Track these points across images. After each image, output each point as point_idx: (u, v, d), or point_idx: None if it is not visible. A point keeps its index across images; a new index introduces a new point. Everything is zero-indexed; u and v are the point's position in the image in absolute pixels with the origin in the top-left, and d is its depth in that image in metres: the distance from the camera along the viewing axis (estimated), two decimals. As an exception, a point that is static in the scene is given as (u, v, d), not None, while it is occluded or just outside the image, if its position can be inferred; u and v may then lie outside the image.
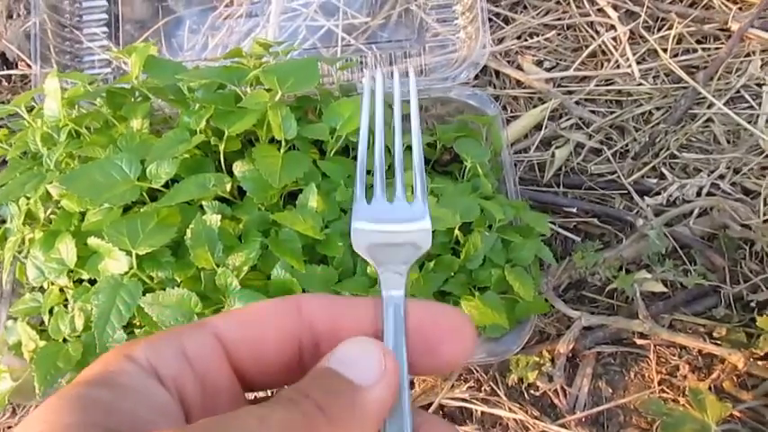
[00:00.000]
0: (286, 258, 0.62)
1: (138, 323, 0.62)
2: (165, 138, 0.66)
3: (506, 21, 1.04)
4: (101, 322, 0.57)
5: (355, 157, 0.73)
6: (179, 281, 0.63)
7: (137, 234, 0.60)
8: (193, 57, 0.97)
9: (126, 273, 0.60)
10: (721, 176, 0.92)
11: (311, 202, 0.65)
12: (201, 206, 0.65)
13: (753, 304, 0.81)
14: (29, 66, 0.95)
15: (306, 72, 0.68)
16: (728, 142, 0.95)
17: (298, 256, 0.62)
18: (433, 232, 0.65)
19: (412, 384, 0.83)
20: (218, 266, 0.61)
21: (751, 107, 0.97)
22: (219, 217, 0.61)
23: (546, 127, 0.96)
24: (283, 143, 0.67)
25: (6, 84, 0.95)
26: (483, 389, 0.82)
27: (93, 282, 0.66)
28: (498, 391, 0.82)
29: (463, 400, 0.82)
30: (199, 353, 0.26)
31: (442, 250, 0.67)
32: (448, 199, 0.66)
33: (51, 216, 0.71)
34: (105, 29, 0.94)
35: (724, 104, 0.96)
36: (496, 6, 1.03)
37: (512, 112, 0.98)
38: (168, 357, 0.25)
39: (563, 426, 0.80)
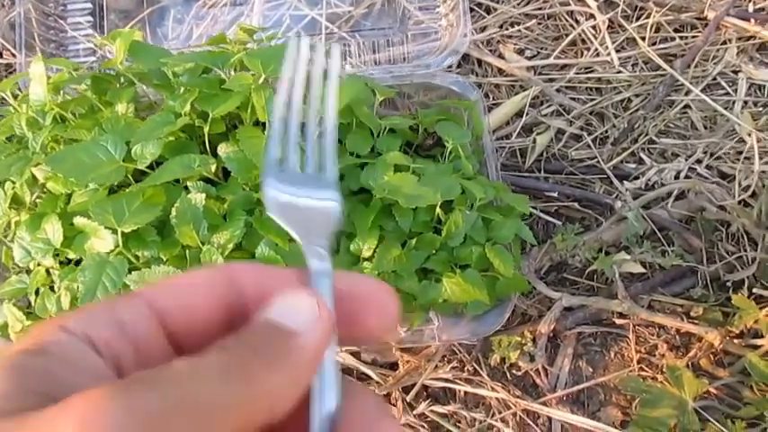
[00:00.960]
0: (270, 236, 0.63)
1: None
2: (151, 120, 0.67)
3: (488, 10, 1.05)
4: (87, 299, 0.58)
5: (339, 140, 0.75)
6: (165, 259, 0.64)
7: (122, 213, 0.61)
8: (178, 46, 0.97)
9: (112, 251, 0.61)
10: (698, 161, 0.93)
11: (294, 182, 0.66)
12: (186, 186, 0.66)
13: (729, 284, 0.83)
14: (13, 55, 0.96)
15: (288, 56, 0.69)
16: (705, 128, 0.97)
17: (281, 234, 0.63)
18: (414, 210, 0.67)
19: (396, 365, 0.84)
20: (203, 244, 0.62)
21: (727, 93, 0.99)
22: (204, 195, 0.62)
23: (527, 114, 0.97)
24: (267, 125, 0.68)
25: (-8, 72, 0.96)
26: (466, 369, 0.83)
27: (78, 262, 0.67)
28: (481, 372, 0.83)
29: (446, 380, 0.83)
30: (132, 321, 0.26)
31: (424, 228, 0.68)
32: (429, 178, 0.67)
33: (37, 200, 0.71)
34: (90, 18, 0.95)
35: (701, 91, 0.98)
36: (478, -4, 1.05)
37: (494, 99, 1.00)
38: (101, 326, 0.25)
39: (544, 404, 0.81)
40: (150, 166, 0.65)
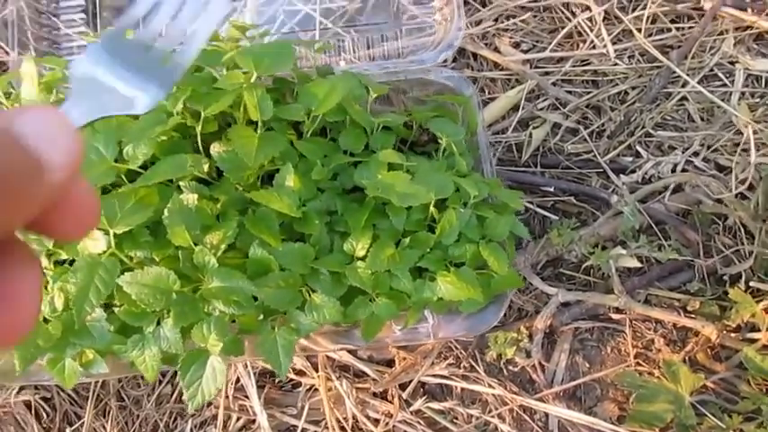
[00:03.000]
0: (263, 236, 0.63)
1: (117, 302, 0.63)
2: (142, 120, 0.67)
3: (483, 3, 1.05)
4: (79, 300, 0.58)
5: (332, 139, 0.75)
6: (157, 260, 0.63)
7: (114, 213, 0.60)
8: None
9: (104, 252, 0.61)
10: (695, 153, 0.93)
11: (288, 182, 0.66)
12: (179, 186, 0.66)
13: (726, 277, 0.83)
14: (6, 53, 0.95)
15: (280, 54, 0.68)
16: (702, 120, 0.96)
17: (275, 234, 0.63)
18: (408, 209, 0.66)
19: (392, 362, 0.84)
20: (195, 245, 0.62)
21: (724, 85, 0.98)
22: (196, 196, 0.62)
23: (523, 108, 0.97)
24: (260, 124, 0.67)
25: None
26: (462, 365, 0.83)
27: (71, 263, 0.67)
28: (477, 368, 0.83)
29: (443, 377, 0.83)
30: None
31: (418, 227, 0.68)
32: (422, 176, 0.67)
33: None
34: (83, 15, 0.94)
35: (698, 83, 0.97)
36: (473, -11, 1.04)
37: (489, 93, 0.99)
38: None
39: (541, 400, 0.81)
40: (144, 167, 0.65)
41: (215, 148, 0.68)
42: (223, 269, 0.61)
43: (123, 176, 0.66)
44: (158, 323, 0.64)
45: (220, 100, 0.66)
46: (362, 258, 0.65)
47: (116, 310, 0.63)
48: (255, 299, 0.62)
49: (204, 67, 0.72)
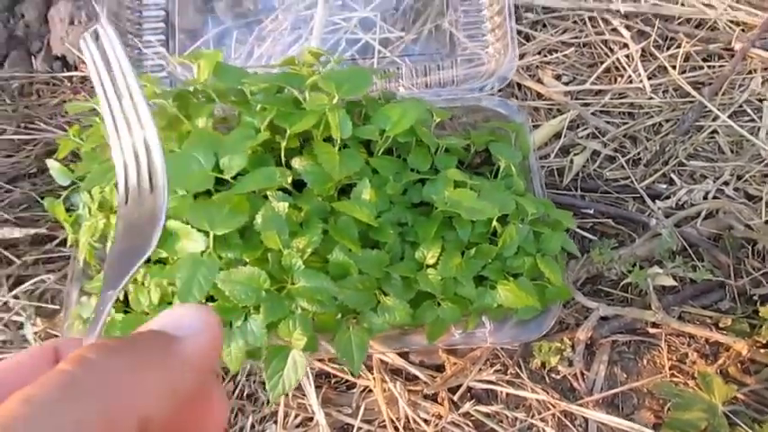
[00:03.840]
0: (344, 242, 0.69)
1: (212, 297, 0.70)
2: (233, 135, 0.74)
3: (527, 38, 1.12)
4: (183, 294, 0.64)
5: (400, 155, 0.82)
6: (247, 261, 0.70)
7: (213, 218, 0.67)
8: (240, 64, 1.05)
9: (202, 252, 0.67)
10: (725, 183, 1.00)
11: (365, 195, 0.73)
12: (266, 196, 0.73)
13: (755, 297, 0.89)
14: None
15: (359, 80, 0.76)
16: (732, 152, 1.03)
17: (355, 241, 0.70)
18: (472, 222, 0.73)
19: (443, 367, 0.91)
20: (284, 248, 0.69)
21: (752, 120, 1.05)
22: (287, 204, 0.69)
23: (565, 135, 1.04)
24: (339, 142, 0.74)
25: (68, 84, 1.03)
26: (508, 372, 0.89)
27: (159, 261, 0.74)
28: (522, 375, 0.89)
29: (490, 382, 0.89)
30: None
31: (481, 239, 0.74)
32: (486, 194, 0.74)
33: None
34: (162, 37, 1.02)
35: (728, 117, 1.04)
36: (519, 24, 1.12)
37: (533, 121, 1.06)
38: None
39: (581, 406, 0.87)
40: (234, 177, 0.72)
41: (297, 162, 0.75)
42: (309, 270, 0.68)
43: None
44: (245, 318, 0.70)
45: (305, 119, 0.74)
46: (431, 266, 0.72)
47: (210, 303, 0.70)
48: (335, 299, 0.69)
49: (285, 88, 0.80)
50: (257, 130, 0.75)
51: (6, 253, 0.92)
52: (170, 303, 0.73)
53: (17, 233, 0.86)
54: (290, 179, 0.74)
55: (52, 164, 0.84)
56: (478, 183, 0.77)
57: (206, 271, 0.66)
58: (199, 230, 0.68)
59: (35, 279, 0.88)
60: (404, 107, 0.77)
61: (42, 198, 0.92)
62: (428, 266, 0.72)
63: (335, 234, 0.70)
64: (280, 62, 0.86)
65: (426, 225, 0.73)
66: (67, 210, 0.84)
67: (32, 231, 0.87)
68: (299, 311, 0.69)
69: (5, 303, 0.86)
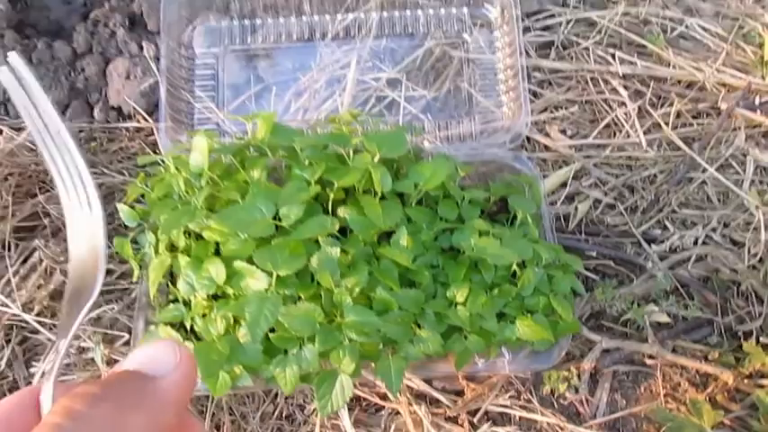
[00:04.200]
0: (387, 282, 0.81)
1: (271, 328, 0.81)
2: (288, 188, 0.85)
3: (535, 95, 1.25)
4: (253, 326, 0.75)
5: (429, 205, 0.94)
6: (302, 297, 0.81)
7: (276, 260, 0.79)
8: (278, 117, 1.16)
9: (267, 289, 0.78)
10: (713, 229, 1.12)
11: (403, 241, 0.84)
12: (317, 240, 0.84)
13: (740, 333, 1.01)
14: (146, 120, 1.15)
15: (397, 141, 0.88)
16: (719, 201, 1.16)
17: (395, 281, 0.81)
18: (495, 266, 0.84)
19: (462, 392, 1.01)
20: (335, 287, 0.80)
21: (737, 173, 1.17)
22: (338, 249, 0.80)
23: (570, 185, 1.16)
24: (379, 194, 0.86)
25: (126, 133, 1.14)
26: (521, 397, 1.00)
27: (217, 297, 0.85)
28: (533, 400, 1.00)
29: (505, 406, 1.00)
30: None
31: (503, 281, 0.86)
32: (507, 242, 0.86)
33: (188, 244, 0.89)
34: (212, 93, 1.14)
35: (715, 170, 1.16)
36: (528, 83, 1.24)
37: (541, 170, 1.18)
38: None
39: (586, 429, 0.98)
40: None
41: (342, 211, 0.86)
42: (357, 306, 0.79)
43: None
44: (300, 347, 0.81)
45: (351, 175, 0.86)
46: (460, 303, 0.83)
47: (271, 335, 0.81)
48: (379, 331, 0.80)
49: (328, 145, 0.92)
50: (308, 182, 0.87)
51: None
52: (233, 333, 0.83)
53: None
54: (337, 226, 0.85)
55: (121, 207, 0.95)
56: (499, 231, 0.89)
57: (271, 306, 0.77)
58: (263, 270, 0.79)
59: (98, 310, 0.98)
60: (435, 165, 0.89)
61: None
62: (457, 304, 0.84)
63: (379, 275, 0.81)
64: (323, 120, 0.98)
65: (456, 268, 0.85)
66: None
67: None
68: (348, 342, 0.80)
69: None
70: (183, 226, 0.86)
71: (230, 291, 0.82)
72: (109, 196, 1.08)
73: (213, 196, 0.88)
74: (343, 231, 0.88)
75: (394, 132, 0.91)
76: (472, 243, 0.85)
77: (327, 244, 0.83)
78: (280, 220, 0.82)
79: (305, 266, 0.81)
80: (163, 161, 0.94)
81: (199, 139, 0.89)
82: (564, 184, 1.17)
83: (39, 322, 1.00)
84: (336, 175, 0.86)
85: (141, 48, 1.18)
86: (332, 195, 0.86)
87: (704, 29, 1.31)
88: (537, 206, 0.98)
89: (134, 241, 0.95)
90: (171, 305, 0.88)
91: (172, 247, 0.91)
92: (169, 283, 0.92)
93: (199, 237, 0.88)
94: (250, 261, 0.81)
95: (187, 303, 0.87)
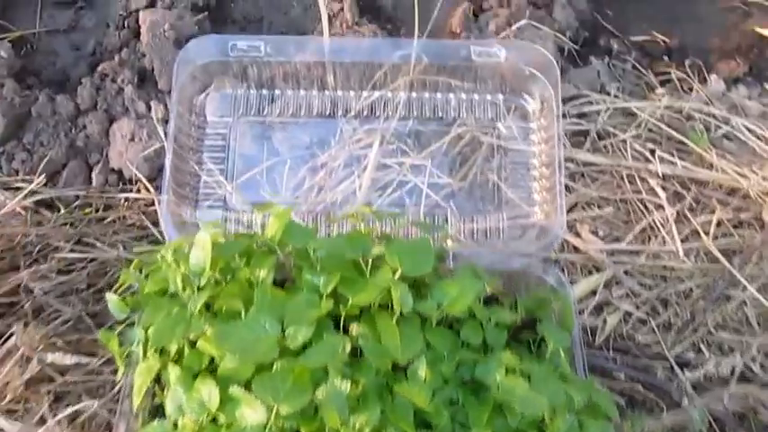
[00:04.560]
0: (401, 425, 0.71)
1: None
2: (297, 301, 0.76)
3: (567, 188, 1.16)
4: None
5: (451, 325, 0.84)
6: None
7: (278, 392, 0.69)
8: (289, 193, 1.08)
9: (264, 426, 0.69)
10: (753, 359, 1.03)
11: (421, 372, 0.75)
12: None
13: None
14: (146, 188, 1.06)
15: (421, 256, 0.79)
16: (759, 325, 1.07)
17: (410, 424, 0.72)
18: (522, 413, 0.75)
19: None
20: (342, 425, 0.71)
21: (780, 296, 1.09)
22: (349, 384, 0.71)
23: (600, 293, 1.07)
24: (398, 313, 0.77)
25: (125, 202, 1.06)
26: None
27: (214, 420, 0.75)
28: None
29: None
30: None
31: (530, 427, 0.76)
32: (537, 382, 0.76)
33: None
34: (222, 166, 1.05)
35: (756, 290, 1.08)
36: (561, 176, 1.16)
37: (569, 275, 1.10)
38: None
39: None
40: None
41: (355, 329, 0.77)
42: (365, 452, 0.70)
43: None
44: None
45: (368, 291, 0.77)
46: (482, 451, 0.74)
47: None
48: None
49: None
50: (319, 293, 0.78)
51: (48, 369, 0.93)
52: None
53: (68, 360, 0.87)
54: (348, 347, 0.76)
55: (111, 297, 0.86)
56: (528, 364, 0.79)
57: (267, 445, 0.68)
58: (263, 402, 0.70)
59: (77, 406, 0.88)
60: (462, 284, 0.80)
61: (92, 318, 0.94)
62: (478, 452, 0.74)
63: (392, 415, 0.72)
64: (343, 215, 0.90)
65: (479, 409, 0.75)
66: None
67: (85, 360, 0.89)
68: (350, 486, 0.70)
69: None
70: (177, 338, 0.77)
71: (223, 418, 0.73)
72: (100, 271, 0.99)
73: (213, 296, 0.79)
74: (354, 349, 0.79)
75: (419, 245, 0.82)
76: (498, 380, 0.76)
77: (337, 373, 0.74)
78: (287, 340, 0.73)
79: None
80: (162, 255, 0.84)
81: (202, 236, 0.80)
82: (593, 292, 1.08)
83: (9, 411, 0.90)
84: (352, 289, 0.77)
85: (149, 108, 1.10)
86: (344, 311, 0.77)
87: (749, 130, 1.23)
88: (567, 329, 0.89)
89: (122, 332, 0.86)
90: (155, 421, 0.78)
91: (162, 350, 0.82)
92: (156, 388, 0.83)
93: (193, 343, 0.79)
94: (248, 385, 0.72)
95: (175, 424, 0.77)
